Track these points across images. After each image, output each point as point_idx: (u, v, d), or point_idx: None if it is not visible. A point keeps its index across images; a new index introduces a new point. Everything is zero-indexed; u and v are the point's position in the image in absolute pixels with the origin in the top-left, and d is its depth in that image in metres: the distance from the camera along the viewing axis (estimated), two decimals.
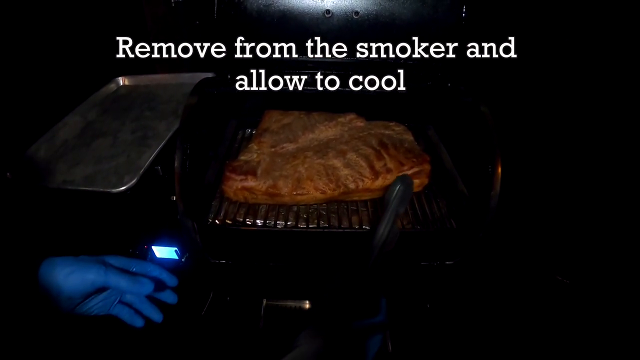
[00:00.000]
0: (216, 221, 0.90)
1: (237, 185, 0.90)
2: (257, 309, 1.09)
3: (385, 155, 0.96)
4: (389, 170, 0.93)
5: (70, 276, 0.54)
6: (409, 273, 1.00)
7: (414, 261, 0.94)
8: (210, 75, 0.99)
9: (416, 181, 0.93)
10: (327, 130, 1.05)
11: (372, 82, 0.92)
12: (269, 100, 1.06)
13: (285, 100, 1.08)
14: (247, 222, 0.90)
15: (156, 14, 1.36)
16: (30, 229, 1.01)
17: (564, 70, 1.18)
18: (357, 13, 0.95)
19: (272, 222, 0.90)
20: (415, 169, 0.95)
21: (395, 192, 0.72)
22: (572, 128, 1.21)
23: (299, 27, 0.94)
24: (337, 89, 0.90)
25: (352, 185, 0.91)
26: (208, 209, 0.93)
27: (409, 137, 1.05)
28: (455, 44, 0.98)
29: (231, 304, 1.09)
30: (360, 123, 1.08)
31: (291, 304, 1.12)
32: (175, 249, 1.01)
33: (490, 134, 0.86)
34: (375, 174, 0.92)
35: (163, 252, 1.02)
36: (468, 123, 0.96)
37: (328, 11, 0.94)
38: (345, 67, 0.95)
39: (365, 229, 0.89)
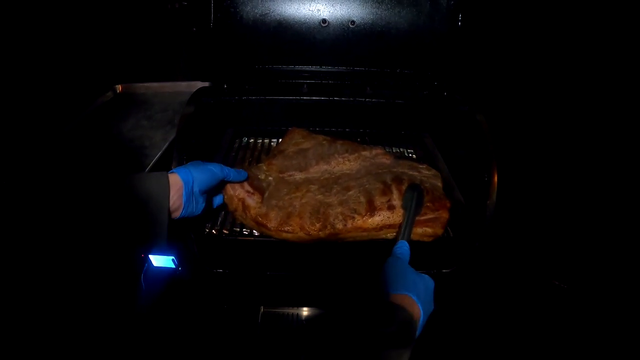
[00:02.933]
0: (213, 231, 0.90)
1: (240, 193, 0.85)
2: (254, 316, 1.09)
3: (395, 191, 0.82)
4: (391, 208, 0.80)
5: (201, 171, 0.68)
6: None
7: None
8: (206, 84, 1.00)
9: (427, 230, 0.81)
10: (344, 163, 0.94)
11: (368, 92, 0.92)
12: (266, 110, 1.07)
13: (282, 110, 1.08)
14: (244, 232, 0.90)
15: (154, 17, 1.35)
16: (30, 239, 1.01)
17: (560, 78, 1.18)
18: (353, 22, 0.95)
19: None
20: (429, 215, 0.81)
21: (413, 198, 0.78)
22: (567, 135, 1.22)
23: (295, 36, 0.94)
24: (333, 99, 0.90)
25: (339, 225, 0.79)
26: (205, 219, 0.93)
27: (438, 183, 0.90)
28: (451, 53, 0.98)
29: (229, 312, 1.09)
30: (385, 160, 0.95)
31: (288, 311, 1.12)
32: (173, 257, 1.01)
33: (486, 143, 0.86)
34: (372, 210, 0.80)
35: (160, 260, 1.02)
36: (464, 131, 0.96)
37: (324, 20, 0.94)
38: (341, 77, 0.96)
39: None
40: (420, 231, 0.80)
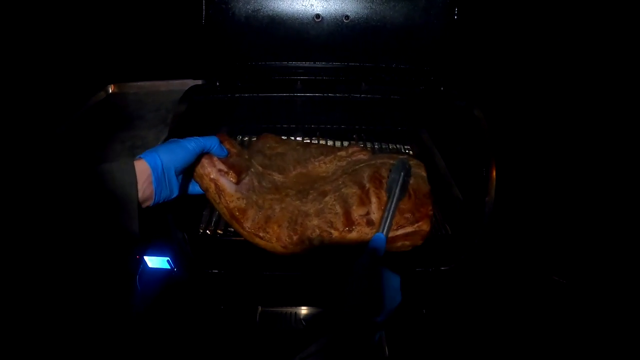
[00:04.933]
0: (207, 231, 0.89)
1: (210, 172, 0.72)
2: (252, 316, 1.08)
3: (373, 199, 0.75)
4: (370, 223, 0.73)
5: (171, 152, 0.63)
6: (404, 279, 0.99)
7: (409, 267, 0.93)
8: (199, 82, 0.98)
9: (405, 243, 0.75)
10: (319, 166, 0.88)
11: (363, 88, 0.91)
12: (259, 107, 1.05)
13: (276, 107, 1.06)
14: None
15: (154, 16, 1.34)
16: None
17: (558, 72, 1.17)
18: (347, 17, 0.93)
19: None
20: (408, 229, 0.74)
21: (399, 181, 0.74)
22: (565, 130, 1.21)
23: (288, 32, 0.92)
24: (327, 95, 0.89)
25: (316, 241, 0.73)
26: (199, 219, 0.92)
27: (421, 172, 0.84)
28: (448, 47, 0.97)
29: (226, 313, 1.08)
30: (362, 156, 0.89)
31: (287, 310, 1.11)
32: (168, 259, 1.00)
33: (485, 138, 0.85)
34: (349, 224, 0.73)
35: (155, 262, 1.01)
36: (462, 127, 0.95)
37: (318, 15, 0.93)
38: (336, 73, 0.94)
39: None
40: (398, 244, 0.75)
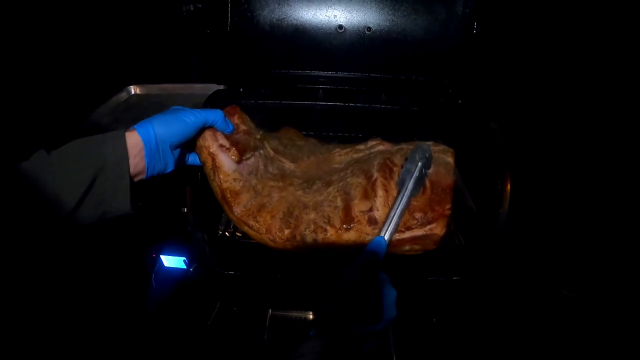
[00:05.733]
0: (226, 233, 0.91)
1: (211, 145, 0.66)
2: (262, 319, 1.10)
3: (380, 192, 0.65)
4: (372, 222, 0.63)
5: (167, 124, 0.58)
6: (415, 288, 1.00)
7: (421, 276, 0.94)
8: (221, 87, 1.00)
9: (415, 247, 0.65)
10: (334, 157, 0.81)
11: (383, 98, 0.93)
12: (280, 114, 1.07)
13: (297, 115, 1.08)
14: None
15: (167, 22, 1.37)
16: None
17: (576, 87, 1.18)
18: (369, 29, 0.96)
19: None
20: (416, 232, 0.63)
21: (413, 172, 0.63)
22: (580, 144, 1.22)
23: (311, 42, 0.95)
24: (348, 105, 0.90)
25: (309, 239, 0.64)
26: (218, 221, 0.94)
27: (447, 158, 0.72)
28: (466, 60, 0.99)
29: (238, 314, 1.09)
30: (382, 147, 0.80)
31: (296, 314, 1.12)
32: (184, 258, 1.01)
33: (500, 151, 0.86)
34: (348, 222, 0.64)
35: (171, 261, 1.03)
36: (477, 139, 0.96)
37: (340, 26, 0.95)
38: (357, 83, 0.96)
39: None
40: (406, 248, 0.66)
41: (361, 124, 1.10)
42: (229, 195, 0.67)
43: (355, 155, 0.79)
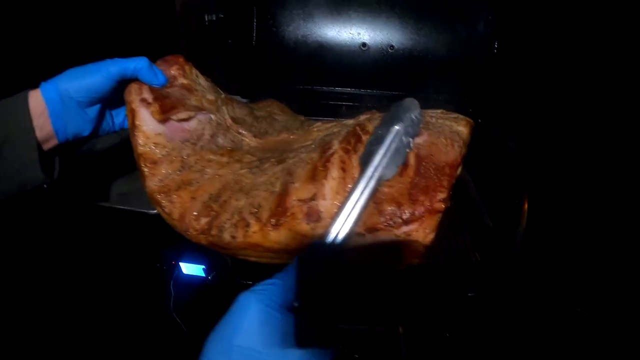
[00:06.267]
0: None
1: (132, 99, 0.53)
2: None
3: (334, 172, 0.44)
4: (312, 216, 0.43)
5: (77, 77, 0.49)
6: (429, 303, 1.01)
7: (436, 292, 0.96)
8: (244, 101, 1.02)
9: (387, 260, 0.45)
10: (312, 133, 0.59)
11: None
12: None
13: None
14: None
15: (189, 31, 1.39)
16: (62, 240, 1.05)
17: (599, 108, 1.19)
18: (392, 47, 0.97)
19: None
20: (384, 236, 0.42)
21: (386, 139, 0.41)
22: (599, 164, 1.22)
23: (335, 59, 0.96)
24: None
25: (227, 234, 0.46)
26: None
27: (458, 128, 0.50)
28: (487, 79, 1.00)
29: None
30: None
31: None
32: (203, 267, 1.03)
33: (518, 170, 0.88)
34: (277, 215, 0.44)
35: (191, 269, 1.05)
36: (496, 157, 0.97)
37: (364, 44, 0.97)
38: (379, 100, 0.98)
39: None
40: (370, 262, 0.46)
41: None
42: (143, 164, 0.52)
43: (336, 130, 0.55)
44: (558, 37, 1.14)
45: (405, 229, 0.39)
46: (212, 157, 0.54)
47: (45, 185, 0.50)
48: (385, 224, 0.39)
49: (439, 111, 0.53)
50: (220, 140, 0.56)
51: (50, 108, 0.48)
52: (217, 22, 1.40)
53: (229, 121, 0.58)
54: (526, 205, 0.89)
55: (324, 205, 0.41)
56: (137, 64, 0.52)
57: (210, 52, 1.43)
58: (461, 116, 0.53)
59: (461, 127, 0.49)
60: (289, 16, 0.97)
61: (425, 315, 1.05)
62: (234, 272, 0.93)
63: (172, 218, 0.50)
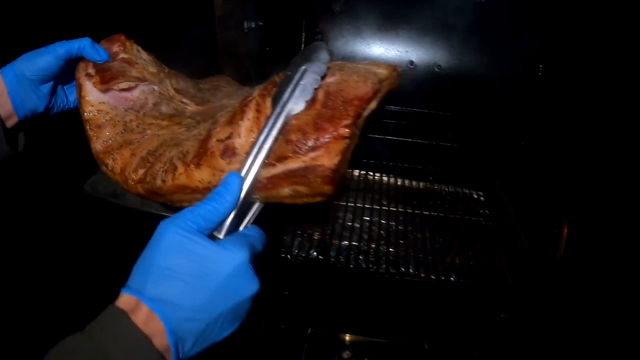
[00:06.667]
0: (288, 256, 0.93)
1: (79, 75, 0.59)
2: (303, 337, 1.11)
3: (249, 114, 0.47)
4: (227, 152, 0.46)
5: (31, 57, 0.56)
6: (459, 321, 1.02)
7: (467, 310, 0.96)
8: None
9: (299, 189, 0.45)
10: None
11: (449, 136, 0.95)
12: None
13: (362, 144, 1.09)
14: (320, 258, 0.92)
15: (227, 38, 1.40)
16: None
17: None
18: (439, 67, 0.98)
19: (344, 260, 0.92)
20: (292, 164, 0.44)
21: (294, 78, 0.44)
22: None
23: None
24: (417, 141, 0.93)
25: (159, 179, 0.51)
26: (280, 245, 0.96)
27: (378, 70, 0.51)
28: (530, 102, 1.00)
29: (284, 332, 1.11)
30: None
31: (343, 337, 1.12)
32: None
33: (559, 194, 0.88)
34: (200, 155, 0.48)
35: None
36: (537, 180, 0.98)
37: (412, 62, 0.97)
38: (425, 119, 0.98)
39: (434, 279, 0.91)
40: (287, 192, 0.46)
41: (419, 154, 1.11)
42: (88, 128, 0.58)
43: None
44: (604, 60, 1.14)
45: (311, 154, 0.42)
46: (153, 121, 0.59)
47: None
48: (293, 152, 0.42)
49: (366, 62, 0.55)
50: (164, 108, 0.62)
51: (8, 87, 0.55)
52: (257, 30, 1.41)
53: (172, 92, 0.64)
54: (566, 231, 0.89)
55: (239, 142, 0.45)
56: (80, 44, 0.58)
57: (247, 58, 1.44)
58: (387, 64, 0.54)
59: (381, 69, 0.51)
60: (338, 31, 0.98)
61: (453, 333, 1.05)
62: (273, 283, 0.94)
63: (114, 173, 0.55)
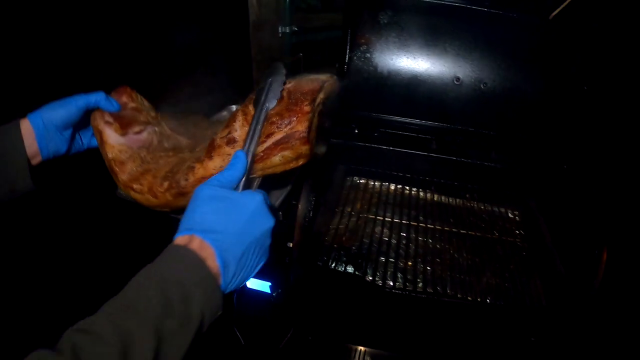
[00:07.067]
0: (323, 266, 0.92)
1: (98, 123, 0.71)
2: (339, 352, 1.10)
3: (239, 117, 0.65)
4: (231, 142, 0.63)
5: (54, 107, 0.66)
6: (489, 344, 1.00)
7: (497, 332, 0.94)
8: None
9: (286, 154, 0.62)
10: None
11: (493, 156, 0.93)
12: (386, 157, 1.07)
13: (399, 157, 1.08)
14: (357, 273, 0.91)
15: (262, 42, 1.40)
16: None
17: None
18: (485, 84, 0.97)
19: (381, 280, 0.91)
20: (278, 136, 0.61)
21: (266, 87, 0.63)
22: None
23: (428, 92, 0.96)
24: (460, 160, 0.91)
25: (182, 181, 0.65)
26: (317, 257, 0.95)
27: (322, 76, 0.68)
28: (575, 124, 0.99)
29: (311, 343, 1.10)
30: None
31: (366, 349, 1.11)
32: (270, 284, 1.03)
33: (599, 219, 0.86)
34: (210, 151, 0.64)
35: (256, 284, 1.05)
36: (576, 204, 0.96)
37: (458, 78, 0.96)
38: (468, 137, 0.97)
39: (470, 300, 0.90)
40: (278, 159, 0.62)
41: (456, 171, 1.10)
42: (114, 165, 0.71)
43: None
44: None
45: (289, 126, 0.61)
46: (162, 154, 0.73)
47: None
48: (276, 128, 0.61)
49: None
50: (166, 144, 0.76)
51: (36, 131, 0.64)
52: (291, 35, 1.40)
53: (168, 131, 0.78)
54: (605, 256, 0.88)
55: (237, 134, 0.63)
56: (96, 97, 0.69)
57: (281, 63, 1.43)
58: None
59: (322, 76, 0.68)
60: (384, 43, 0.97)
61: (481, 353, 1.04)
62: (296, 289, 0.93)
63: (142, 193, 0.68)
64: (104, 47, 1.08)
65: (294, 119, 0.61)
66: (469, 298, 0.90)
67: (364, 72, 0.97)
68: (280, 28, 1.40)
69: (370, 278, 0.91)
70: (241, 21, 1.42)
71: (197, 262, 0.45)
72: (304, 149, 0.62)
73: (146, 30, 1.11)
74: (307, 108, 0.61)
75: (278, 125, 0.61)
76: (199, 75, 1.28)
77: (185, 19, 1.28)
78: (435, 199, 1.07)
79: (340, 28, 1.27)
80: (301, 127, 0.60)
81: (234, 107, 1.08)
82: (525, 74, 0.98)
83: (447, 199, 1.07)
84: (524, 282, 0.97)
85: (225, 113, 1.03)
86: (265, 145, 0.61)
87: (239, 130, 0.63)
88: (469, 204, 1.07)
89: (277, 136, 0.61)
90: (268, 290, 1.05)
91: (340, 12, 1.48)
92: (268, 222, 0.51)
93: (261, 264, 0.53)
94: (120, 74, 1.08)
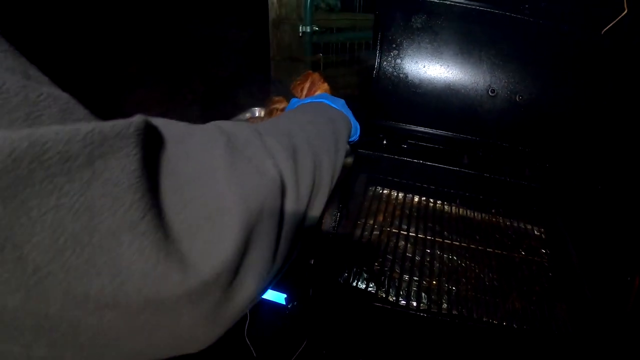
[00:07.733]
0: (343, 283, 0.88)
1: None
2: None
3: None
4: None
5: None
6: None
7: (520, 358, 0.91)
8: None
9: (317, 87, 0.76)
10: None
11: (527, 174, 0.89)
12: (414, 170, 1.02)
13: (426, 170, 1.03)
14: (380, 295, 0.87)
15: (281, 41, 1.35)
16: None
17: None
18: (520, 97, 0.92)
19: (404, 300, 0.87)
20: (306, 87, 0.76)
21: None
22: None
23: (461, 103, 0.91)
24: (492, 177, 0.87)
25: None
26: (338, 272, 0.91)
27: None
28: (612, 144, 0.94)
29: (325, 358, 1.07)
30: None
31: None
32: (285, 295, 1.00)
33: (632, 244, 0.83)
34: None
35: (272, 295, 1.01)
36: (608, 226, 0.92)
37: (493, 90, 0.91)
38: (502, 153, 0.92)
39: (496, 324, 0.86)
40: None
41: (483, 185, 1.06)
42: None
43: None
44: None
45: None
46: None
47: None
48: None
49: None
50: None
51: None
52: (311, 35, 1.35)
53: None
54: (638, 283, 0.84)
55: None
56: None
57: (300, 62, 1.38)
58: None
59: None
60: (416, 49, 0.92)
61: None
62: (314, 301, 0.89)
63: None
64: (119, 45, 1.04)
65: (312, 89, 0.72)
66: (494, 322, 0.86)
67: (394, 78, 0.92)
68: (300, 27, 1.35)
69: (394, 298, 0.87)
70: (260, 20, 1.37)
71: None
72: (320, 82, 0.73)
73: (164, 28, 1.06)
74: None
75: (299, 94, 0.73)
76: (219, 75, 1.23)
77: (204, 18, 1.24)
78: (460, 212, 1.03)
79: (361, 30, 1.22)
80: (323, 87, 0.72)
81: (256, 110, 1.04)
82: (564, 88, 0.93)
83: (472, 213, 1.02)
84: (550, 306, 0.93)
85: (248, 115, 0.99)
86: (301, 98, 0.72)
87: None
88: (494, 219, 1.03)
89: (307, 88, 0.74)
90: (283, 302, 1.01)
91: (360, 12, 1.43)
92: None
93: None
94: (137, 72, 1.04)
